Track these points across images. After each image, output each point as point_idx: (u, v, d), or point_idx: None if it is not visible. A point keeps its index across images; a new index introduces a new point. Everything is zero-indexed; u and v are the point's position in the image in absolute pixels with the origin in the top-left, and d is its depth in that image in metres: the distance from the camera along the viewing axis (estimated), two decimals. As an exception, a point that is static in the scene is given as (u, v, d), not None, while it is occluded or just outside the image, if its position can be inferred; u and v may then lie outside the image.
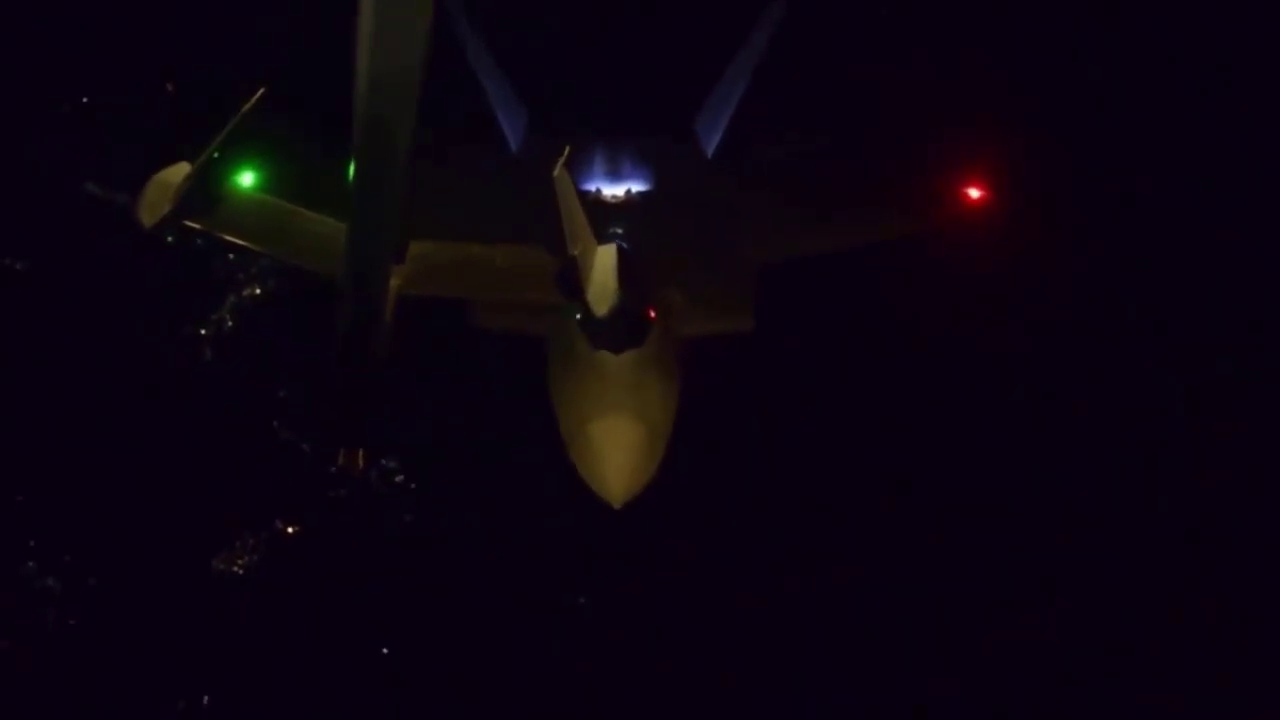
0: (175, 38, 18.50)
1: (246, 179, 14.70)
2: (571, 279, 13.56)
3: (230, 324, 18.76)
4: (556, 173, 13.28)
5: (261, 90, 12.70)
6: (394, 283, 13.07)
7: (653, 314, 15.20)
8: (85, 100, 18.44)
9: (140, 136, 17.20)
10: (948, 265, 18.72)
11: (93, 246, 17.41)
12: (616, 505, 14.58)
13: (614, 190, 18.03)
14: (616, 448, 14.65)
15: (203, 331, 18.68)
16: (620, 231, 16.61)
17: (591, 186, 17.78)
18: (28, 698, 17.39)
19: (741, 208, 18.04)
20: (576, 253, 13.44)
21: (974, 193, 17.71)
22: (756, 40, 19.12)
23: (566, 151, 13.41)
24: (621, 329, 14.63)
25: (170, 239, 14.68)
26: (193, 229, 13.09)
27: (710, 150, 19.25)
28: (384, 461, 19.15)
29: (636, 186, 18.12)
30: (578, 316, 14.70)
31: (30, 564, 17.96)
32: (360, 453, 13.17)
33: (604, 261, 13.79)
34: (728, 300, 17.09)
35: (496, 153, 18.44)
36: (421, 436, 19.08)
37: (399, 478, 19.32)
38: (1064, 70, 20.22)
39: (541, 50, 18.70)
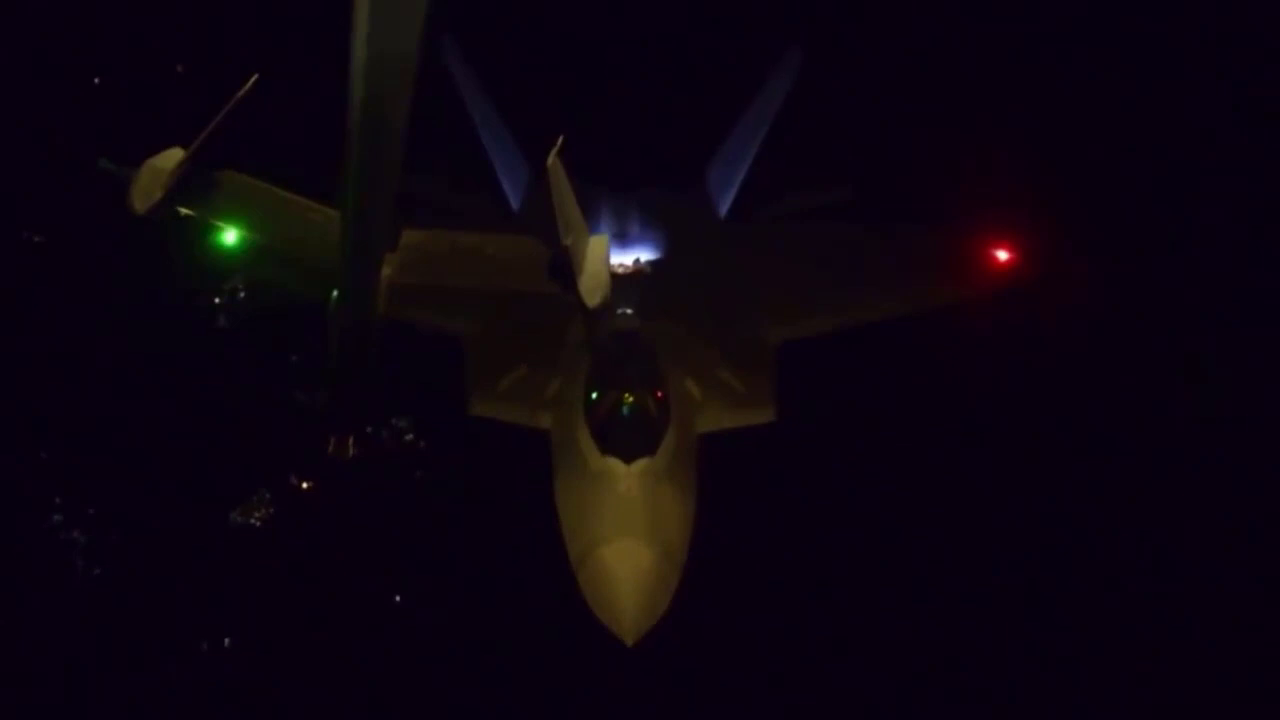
0: (182, 23, 17.45)
1: (229, 237, 13.85)
2: (564, 269, 12.48)
3: (243, 292, 18.06)
4: (550, 162, 12.23)
5: (255, 77, 11.71)
6: (386, 271, 12.15)
7: (660, 395, 13.39)
8: (98, 80, 17.43)
9: (154, 115, 16.32)
10: (968, 330, 16.49)
11: (112, 219, 16.60)
12: (629, 643, 12.66)
13: (621, 259, 15.87)
14: (629, 578, 12.61)
15: (217, 300, 17.89)
16: (630, 312, 14.81)
17: None
18: (56, 643, 17.05)
19: (758, 278, 15.97)
20: (569, 243, 12.39)
21: (1002, 254, 15.75)
22: (770, 93, 17.27)
23: (560, 141, 12.32)
24: (635, 429, 12.99)
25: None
26: (186, 215, 12.11)
27: (723, 208, 17.11)
28: (395, 421, 18.46)
29: (646, 254, 16.04)
30: (584, 408, 13.11)
31: (57, 518, 17.61)
32: (351, 439, 12.35)
33: (596, 252, 12.70)
34: (747, 388, 14.98)
35: (497, 210, 16.89)
36: (431, 396, 18.29)
37: (409, 436, 18.63)
38: (1086, 122, 18.24)
39: (545, 105, 16.88)
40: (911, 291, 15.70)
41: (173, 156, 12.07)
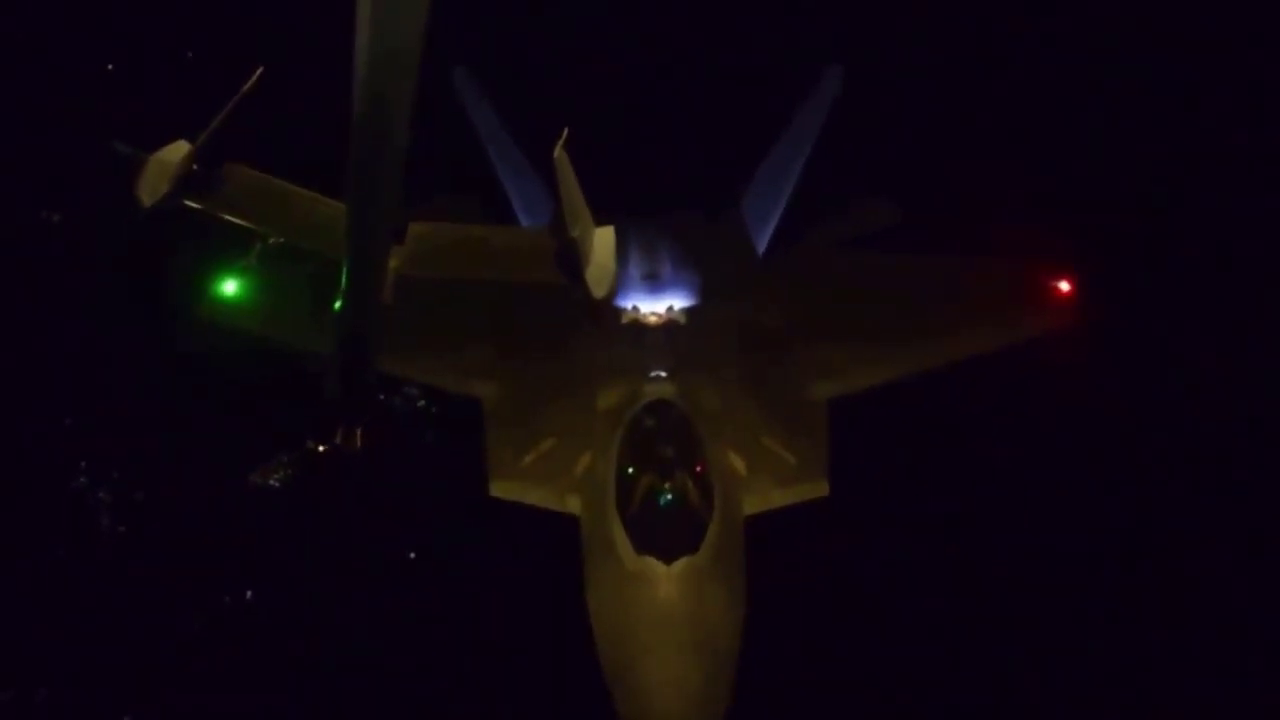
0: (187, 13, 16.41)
1: (229, 287, 13.22)
2: (570, 260, 11.53)
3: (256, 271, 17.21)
4: (556, 154, 11.30)
5: (260, 70, 10.80)
6: (393, 263, 11.33)
7: (701, 472, 11.30)
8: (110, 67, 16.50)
9: (159, 105, 15.44)
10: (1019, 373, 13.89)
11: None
12: None
13: (653, 306, 13.61)
14: (674, 701, 10.52)
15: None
16: (664, 374, 12.76)
17: (628, 303, 13.66)
18: (84, 598, 16.80)
19: (804, 324, 13.63)
20: (575, 235, 11.48)
21: (1063, 285, 13.55)
22: (809, 115, 15.09)
23: (565, 133, 11.37)
24: (674, 523, 10.97)
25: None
26: (193, 209, 11.21)
27: (761, 243, 14.71)
28: (406, 389, 17.87)
29: (679, 301, 13.66)
30: (616, 494, 11.13)
31: (82, 480, 17.24)
32: (358, 431, 11.62)
33: (603, 243, 11.70)
34: (797, 458, 12.70)
35: None
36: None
37: (421, 402, 18.05)
38: (1138, 142, 16.02)
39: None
40: (971, 331, 13.55)
41: (179, 150, 11.17)
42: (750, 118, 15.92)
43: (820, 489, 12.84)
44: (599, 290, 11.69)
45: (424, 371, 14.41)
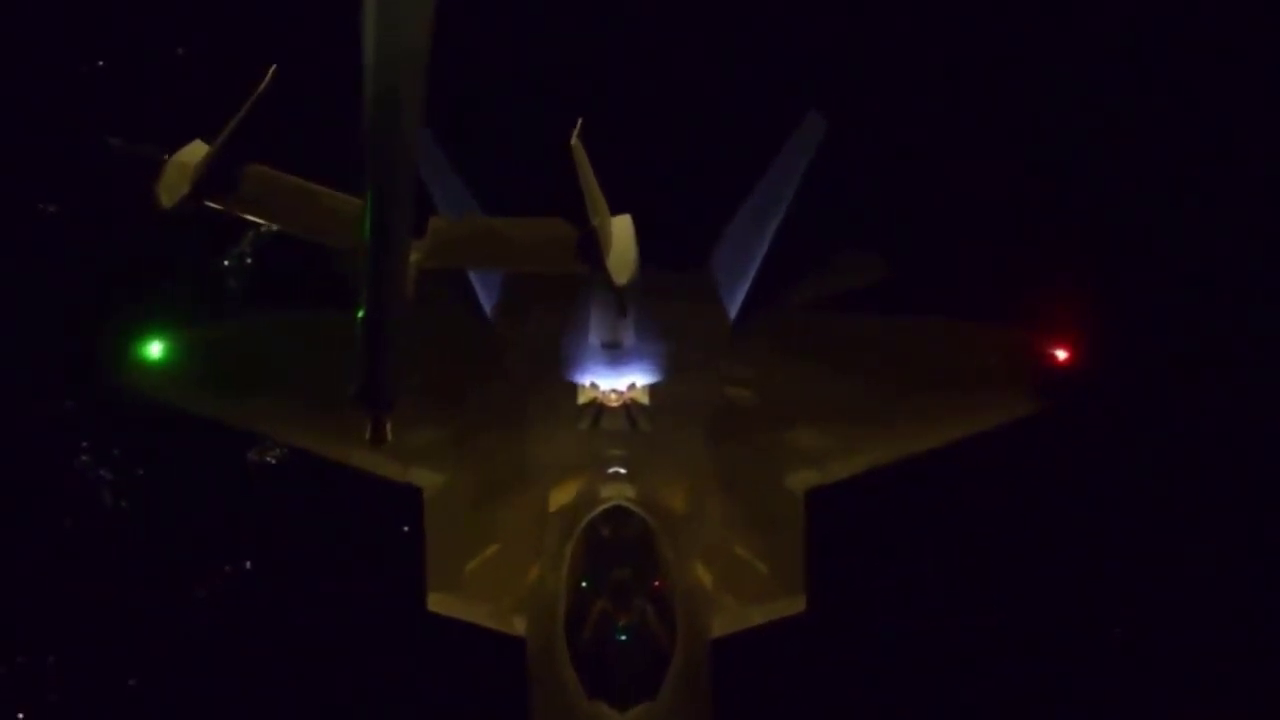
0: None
1: (155, 350, 12.48)
2: (592, 249, 10.66)
3: (250, 259, 17.13)
4: (573, 143, 10.98)
5: (274, 68, 10.40)
6: (414, 257, 11.05)
7: (663, 588, 10.05)
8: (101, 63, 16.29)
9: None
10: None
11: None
12: None
13: (614, 383, 11.99)
14: None
15: (226, 263, 17.12)
16: (623, 471, 11.41)
17: (586, 379, 12.11)
18: (87, 571, 16.75)
19: (781, 401, 12.20)
20: (596, 224, 11.22)
21: (1060, 354, 12.13)
22: (788, 165, 13.51)
23: (580, 122, 11.03)
24: (631, 663, 9.67)
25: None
26: (212, 209, 10.84)
27: (733, 307, 13.16)
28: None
29: (642, 378, 12.02)
30: (566, 621, 9.81)
31: (83, 459, 17.13)
32: (387, 423, 11.38)
33: (622, 229, 10.75)
34: (771, 567, 11.19)
35: (470, 314, 13.57)
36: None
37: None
38: (1142, 195, 14.83)
39: (522, 189, 12.43)
40: (964, 408, 12.07)
41: (196, 151, 10.74)
42: (722, 166, 14.57)
43: (796, 605, 11.38)
44: (621, 277, 11.42)
45: (360, 456, 12.82)
